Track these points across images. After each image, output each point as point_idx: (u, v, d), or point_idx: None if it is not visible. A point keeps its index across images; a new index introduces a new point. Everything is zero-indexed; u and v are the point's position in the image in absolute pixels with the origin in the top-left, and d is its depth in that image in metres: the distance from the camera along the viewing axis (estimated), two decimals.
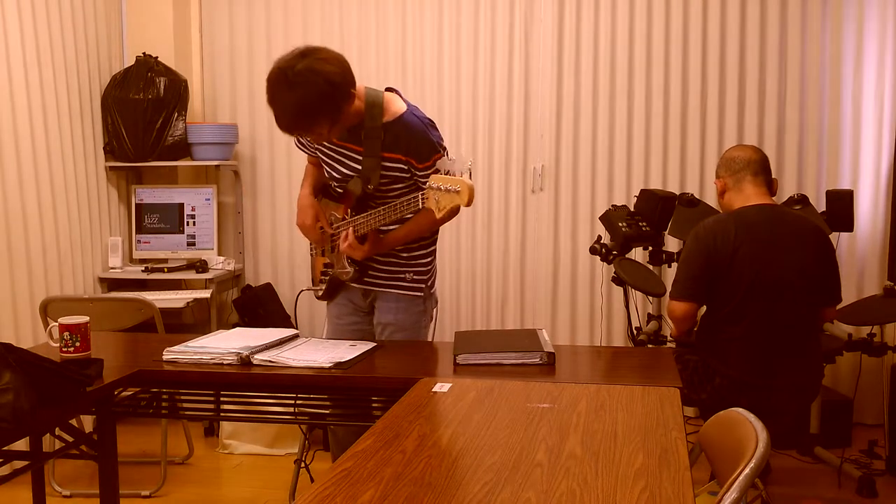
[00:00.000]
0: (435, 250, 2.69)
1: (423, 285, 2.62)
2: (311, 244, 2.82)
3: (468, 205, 2.19)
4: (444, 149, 2.51)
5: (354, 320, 2.70)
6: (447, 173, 2.25)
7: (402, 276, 2.61)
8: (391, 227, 2.55)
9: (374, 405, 2.21)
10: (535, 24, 4.23)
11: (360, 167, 2.51)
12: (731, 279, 2.65)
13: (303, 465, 3.01)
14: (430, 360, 2.33)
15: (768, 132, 4.09)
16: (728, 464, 1.56)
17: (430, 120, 2.50)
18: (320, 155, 2.65)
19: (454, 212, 2.31)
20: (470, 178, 2.21)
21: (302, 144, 2.72)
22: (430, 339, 2.70)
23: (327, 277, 2.71)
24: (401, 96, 2.54)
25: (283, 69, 2.26)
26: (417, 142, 2.43)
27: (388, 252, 2.59)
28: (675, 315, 2.74)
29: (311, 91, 2.25)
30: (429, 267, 2.65)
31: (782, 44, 4.06)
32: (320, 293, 2.75)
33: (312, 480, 3.10)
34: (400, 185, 2.52)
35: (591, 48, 4.18)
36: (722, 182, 2.82)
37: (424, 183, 2.42)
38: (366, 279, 2.63)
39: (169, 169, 4.38)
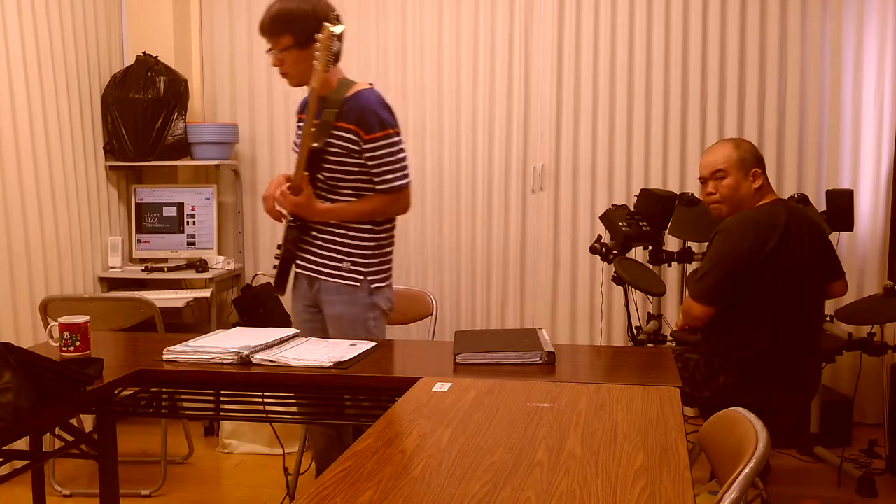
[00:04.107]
0: (384, 249, 2.70)
1: (362, 277, 2.64)
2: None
3: (327, 43, 2.47)
4: (397, 133, 2.61)
5: (306, 318, 2.77)
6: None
7: (340, 264, 2.65)
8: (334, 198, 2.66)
9: (371, 405, 2.21)
10: (535, 23, 4.23)
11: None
12: (765, 277, 2.63)
13: (288, 475, 3.06)
14: (430, 360, 2.33)
15: (768, 132, 4.09)
16: (728, 463, 1.56)
17: (386, 103, 2.64)
18: (298, 132, 2.78)
19: (324, 59, 2.50)
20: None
21: (294, 145, 2.83)
22: (386, 338, 2.69)
23: (278, 261, 2.76)
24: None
25: None
26: (367, 113, 2.57)
27: (326, 234, 2.66)
28: (693, 315, 2.71)
29: (294, 5, 2.57)
30: (371, 260, 2.66)
31: (782, 44, 4.06)
32: (273, 281, 2.81)
33: (291, 477, 3.11)
34: (350, 161, 2.60)
35: (591, 48, 4.18)
36: (762, 177, 2.75)
37: (372, 166, 2.58)
38: (307, 262, 2.70)
39: (169, 168, 4.38)
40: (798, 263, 2.66)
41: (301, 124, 2.80)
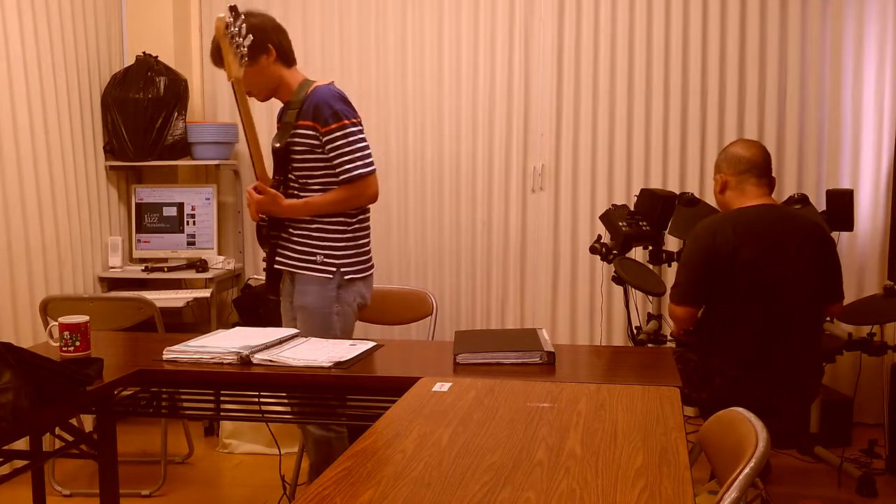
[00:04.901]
0: (359, 241, 2.74)
1: (334, 269, 2.67)
2: None
3: (218, 32, 2.49)
4: (354, 124, 2.65)
5: (294, 316, 2.79)
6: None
7: (314, 257, 2.69)
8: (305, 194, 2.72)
9: (371, 405, 2.21)
10: (535, 23, 4.23)
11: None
12: (731, 280, 2.65)
13: (285, 484, 3.06)
14: (430, 360, 2.33)
15: (768, 132, 4.09)
16: (728, 463, 1.56)
17: (343, 95, 2.68)
18: None
19: (224, 47, 2.52)
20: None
21: None
22: (351, 336, 2.72)
23: (265, 265, 2.82)
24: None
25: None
26: (321, 107, 2.62)
27: (300, 230, 2.71)
28: (676, 316, 2.76)
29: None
30: (344, 252, 2.70)
31: (782, 44, 4.06)
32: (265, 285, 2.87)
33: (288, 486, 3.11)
34: (314, 157, 2.66)
35: (591, 48, 4.18)
36: (723, 178, 2.81)
37: (332, 158, 2.63)
38: (284, 258, 2.74)
39: (169, 168, 4.38)
40: (777, 270, 2.64)
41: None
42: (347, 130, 2.63)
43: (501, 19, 4.24)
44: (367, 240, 2.78)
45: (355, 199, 2.69)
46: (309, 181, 2.69)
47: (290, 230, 2.73)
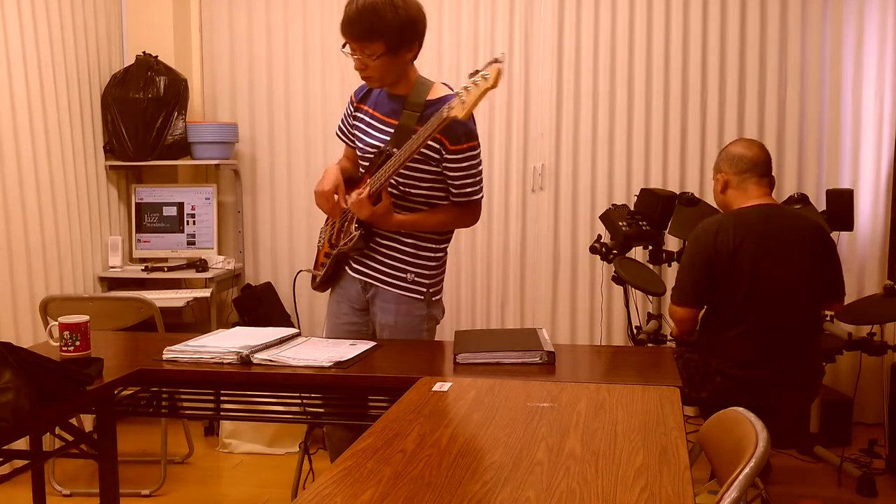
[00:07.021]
0: (444, 260, 2.62)
1: (424, 289, 2.55)
2: (320, 232, 2.78)
3: (495, 85, 2.17)
4: (479, 145, 2.49)
5: (353, 320, 2.65)
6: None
7: (404, 274, 2.54)
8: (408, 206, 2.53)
9: (371, 404, 2.21)
10: (535, 22, 4.23)
11: (389, 138, 2.50)
12: (732, 280, 2.65)
13: (307, 455, 2.99)
14: (430, 360, 2.33)
15: (768, 132, 4.09)
16: (728, 463, 1.56)
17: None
18: (357, 123, 2.61)
19: (482, 96, 2.21)
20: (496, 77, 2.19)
21: (341, 132, 2.70)
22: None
23: (329, 260, 2.64)
24: None
25: None
26: (456, 123, 2.34)
27: (393, 242, 2.54)
28: (677, 318, 2.76)
29: (388, 5, 2.33)
30: (433, 272, 2.58)
31: (782, 44, 4.06)
32: (318, 279, 2.69)
33: (312, 474, 3.10)
34: (427, 169, 2.47)
35: (591, 48, 4.18)
36: (724, 178, 2.80)
37: (452, 177, 2.46)
38: (365, 269, 2.58)
39: (169, 168, 4.38)
40: (778, 270, 2.65)
41: (359, 114, 2.62)
42: (475, 152, 2.47)
43: (501, 19, 4.24)
44: (446, 258, 2.64)
45: (466, 219, 2.58)
46: (412, 191, 2.51)
47: (378, 239, 2.55)
